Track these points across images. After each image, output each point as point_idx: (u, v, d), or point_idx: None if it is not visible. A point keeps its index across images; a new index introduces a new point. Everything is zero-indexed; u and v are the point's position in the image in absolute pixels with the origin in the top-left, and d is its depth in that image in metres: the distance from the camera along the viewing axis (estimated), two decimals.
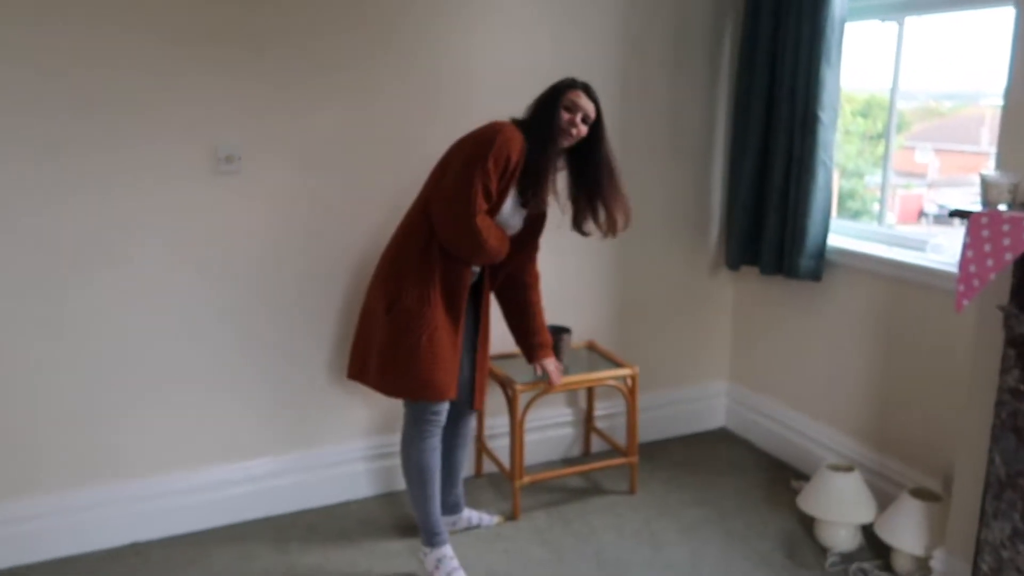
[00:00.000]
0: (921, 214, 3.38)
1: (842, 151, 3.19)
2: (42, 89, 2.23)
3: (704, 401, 3.47)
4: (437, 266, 2.20)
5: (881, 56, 2.81)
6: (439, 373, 2.23)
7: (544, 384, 2.63)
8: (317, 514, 2.75)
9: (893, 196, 3.08)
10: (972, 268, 1.99)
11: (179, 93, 2.38)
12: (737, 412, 3.45)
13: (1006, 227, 1.93)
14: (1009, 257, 1.90)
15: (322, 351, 2.72)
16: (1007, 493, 2.01)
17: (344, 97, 2.59)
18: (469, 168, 2.11)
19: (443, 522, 2.41)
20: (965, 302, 1.99)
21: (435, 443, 2.34)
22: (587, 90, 2.26)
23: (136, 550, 2.51)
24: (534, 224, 2.42)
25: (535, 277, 2.53)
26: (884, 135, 2.83)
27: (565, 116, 2.21)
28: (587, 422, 3.22)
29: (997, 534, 2.04)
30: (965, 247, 1.99)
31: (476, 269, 2.35)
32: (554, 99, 2.22)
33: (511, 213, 2.27)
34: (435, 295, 2.20)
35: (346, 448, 2.82)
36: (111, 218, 2.37)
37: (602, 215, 2.33)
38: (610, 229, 2.35)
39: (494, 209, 2.19)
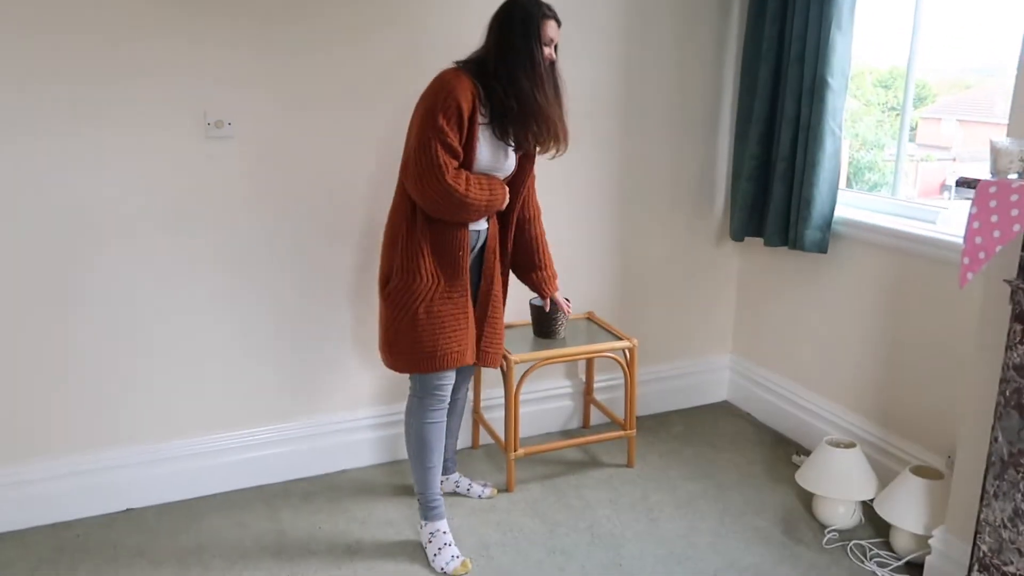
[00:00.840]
0: (944, 187, 3.28)
1: (862, 122, 3.09)
2: (25, 54, 2.19)
3: (707, 374, 3.42)
4: (426, 235, 2.15)
5: (903, 25, 2.69)
6: (444, 342, 2.19)
7: (559, 320, 2.62)
8: (313, 482, 2.74)
9: (916, 169, 2.98)
10: (978, 240, 1.91)
11: (166, 56, 2.33)
12: (740, 385, 3.40)
13: (1015, 197, 1.84)
14: (1017, 228, 1.81)
15: (324, 318, 2.70)
16: (1009, 473, 1.94)
17: (339, 58, 2.53)
18: (423, 131, 2.04)
19: (441, 495, 2.38)
20: (970, 275, 1.92)
21: (438, 417, 2.30)
22: (554, 13, 2.15)
23: (130, 516, 2.52)
24: (527, 159, 2.33)
25: (536, 210, 2.46)
26: (898, 108, 2.72)
27: (546, 51, 2.12)
28: (586, 394, 3.18)
29: (997, 514, 1.98)
30: (971, 218, 1.91)
31: (479, 228, 2.27)
32: (533, 35, 2.09)
33: (494, 157, 2.17)
34: (426, 265, 2.15)
35: (345, 416, 2.81)
36: (106, 187, 2.34)
37: (549, 136, 2.21)
38: (559, 149, 2.25)
39: (468, 160, 2.11)
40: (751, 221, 3.07)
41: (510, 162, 2.25)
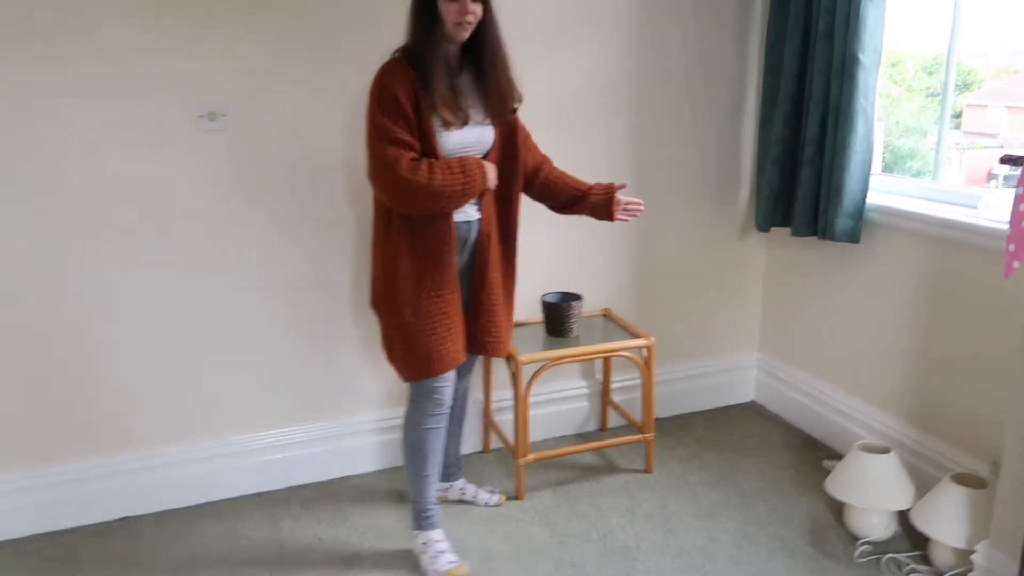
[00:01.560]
0: (991, 176, 3.06)
1: (903, 108, 2.89)
2: (12, 46, 2.12)
3: (732, 373, 3.24)
4: (405, 235, 2.03)
5: (946, 8, 2.50)
6: (437, 343, 2.07)
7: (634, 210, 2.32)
8: (315, 489, 2.64)
9: (961, 157, 2.78)
10: None
11: (159, 48, 2.24)
12: (767, 385, 3.21)
13: None
14: None
15: (326, 317, 2.59)
16: None
17: (342, 51, 2.40)
18: (368, 133, 1.96)
19: (436, 504, 2.27)
20: (1016, 264, 1.73)
21: (437, 423, 2.18)
22: None
23: (126, 524, 2.45)
24: (510, 126, 2.14)
25: (543, 158, 2.29)
26: (941, 93, 2.52)
27: (453, 8, 1.92)
28: (603, 395, 3.03)
29: None
30: (1018, 199, 1.72)
31: (470, 219, 2.11)
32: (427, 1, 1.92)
33: (458, 137, 2.01)
34: (408, 267, 2.03)
35: (349, 420, 2.70)
36: (96, 184, 2.26)
37: (492, 99, 2.05)
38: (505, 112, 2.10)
39: (431, 148, 1.97)
40: (778, 210, 2.89)
41: (482, 136, 2.08)
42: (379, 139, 1.93)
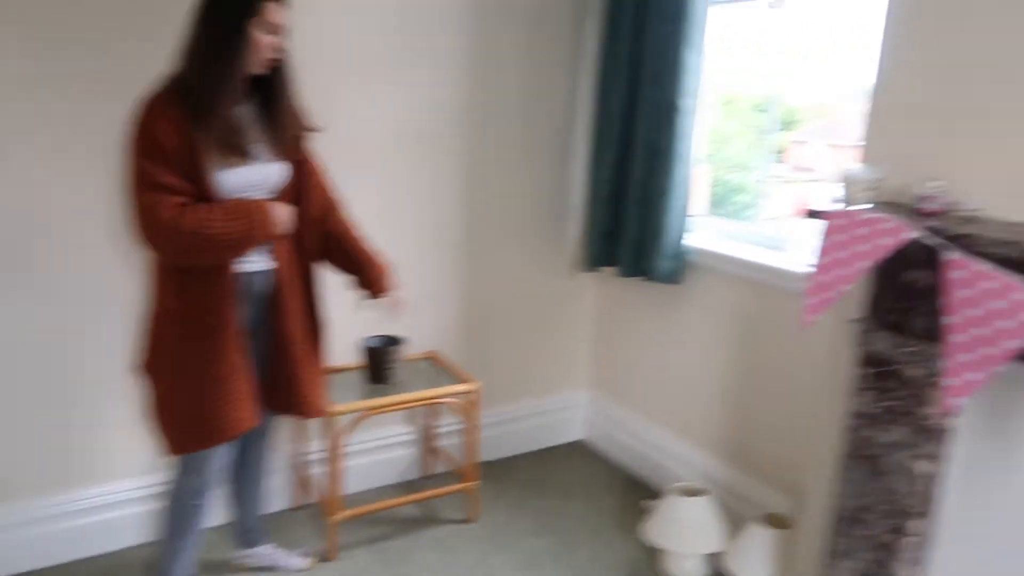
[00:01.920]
0: (808, 211, 3.25)
1: (732, 145, 2.98)
2: None
3: (562, 412, 3.19)
4: (179, 290, 1.78)
5: (772, 47, 2.61)
6: (212, 410, 1.81)
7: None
8: (79, 568, 2.28)
9: (783, 191, 2.91)
10: (825, 276, 1.76)
11: None
12: (596, 424, 3.19)
13: (863, 230, 1.70)
14: (865, 265, 1.68)
15: (90, 380, 2.25)
16: (856, 530, 1.79)
17: (115, 67, 2.12)
18: (128, 176, 1.71)
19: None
20: (814, 317, 1.76)
21: (203, 499, 1.94)
22: None
23: None
24: (301, 163, 1.94)
25: (328, 204, 2.02)
26: (769, 131, 2.62)
27: (268, 42, 1.73)
28: (426, 441, 2.87)
29: (846, 575, 1.82)
30: (818, 252, 1.76)
31: (255, 269, 1.86)
32: (242, 24, 1.68)
33: (231, 175, 1.76)
34: (179, 327, 1.79)
35: (115, 489, 2.36)
36: None
37: (281, 132, 1.85)
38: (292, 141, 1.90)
39: (205, 190, 1.73)
40: (605, 250, 2.88)
41: (267, 174, 1.85)
42: (139, 184, 1.68)
